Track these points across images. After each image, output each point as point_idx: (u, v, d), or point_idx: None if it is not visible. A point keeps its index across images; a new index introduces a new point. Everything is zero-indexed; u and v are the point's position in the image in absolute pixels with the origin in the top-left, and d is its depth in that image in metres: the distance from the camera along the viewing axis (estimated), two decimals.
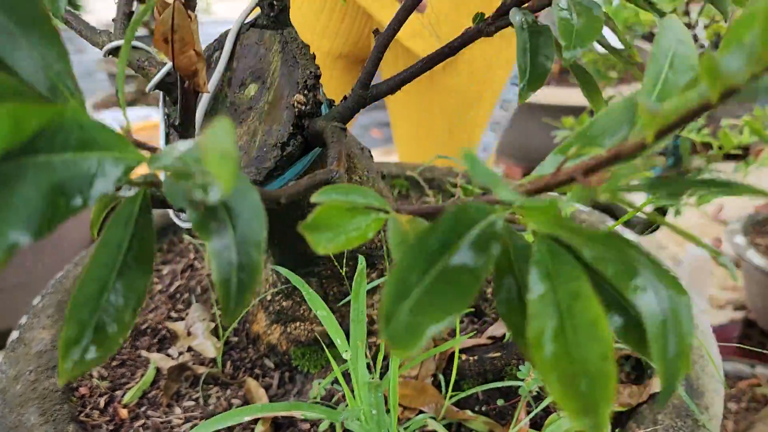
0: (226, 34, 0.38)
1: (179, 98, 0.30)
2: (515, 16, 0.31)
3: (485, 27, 0.34)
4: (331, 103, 0.39)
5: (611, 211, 1.48)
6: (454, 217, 0.17)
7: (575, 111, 1.60)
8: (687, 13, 1.31)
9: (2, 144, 0.14)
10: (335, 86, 0.98)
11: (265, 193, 0.25)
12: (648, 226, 1.41)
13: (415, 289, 0.17)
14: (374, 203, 0.23)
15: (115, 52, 0.38)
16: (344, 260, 0.46)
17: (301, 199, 0.29)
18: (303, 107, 0.35)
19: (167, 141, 0.38)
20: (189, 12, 0.25)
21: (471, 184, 0.69)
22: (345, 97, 0.35)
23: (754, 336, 1.69)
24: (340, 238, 0.21)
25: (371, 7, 0.88)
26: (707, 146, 1.28)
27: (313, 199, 0.21)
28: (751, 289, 1.62)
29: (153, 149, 0.23)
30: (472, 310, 0.54)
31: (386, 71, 1.00)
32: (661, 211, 1.32)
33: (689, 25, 1.33)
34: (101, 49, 0.38)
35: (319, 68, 0.36)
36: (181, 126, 0.29)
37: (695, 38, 1.35)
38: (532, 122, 2.07)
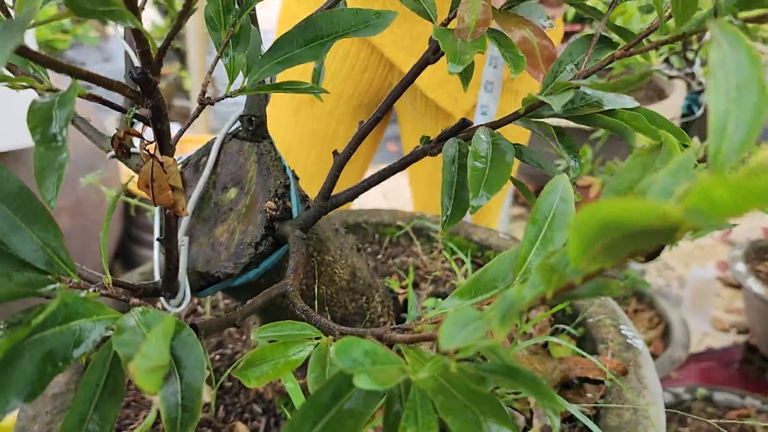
0: (212, 141, 0.44)
1: (162, 220, 0.36)
2: (449, 148, 0.37)
3: (430, 148, 0.39)
4: (305, 198, 0.45)
5: None
6: (336, 384, 0.23)
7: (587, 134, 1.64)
8: (685, 49, 1.34)
9: (8, 345, 0.20)
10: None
11: (222, 321, 0.30)
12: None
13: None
14: (309, 333, 0.29)
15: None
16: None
17: (264, 300, 0.34)
18: (274, 212, 0.40)
19: (160, 228, 0.44)
20: (165, 165, 0.31)
21: (452, 240, 0.74)
22: (308, 207, 0.41)
23: (755, 361, 1.71)
24: (269, 370, 0.27)
25: (397, 59, 0.91)
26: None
27: (253, 336, 0.27)
28: (752, 315, 1.64)
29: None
30: None
31: (405, 126, 1.05)
32: None
33: (688, 61, 1.36)
34: (107, 152, 0.44)
35: (288, 178, 0.42)
36: (165, 239, 0.36)
37: (693, 76, 1.39)
38: (547, 144, 2.10)
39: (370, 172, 0.51)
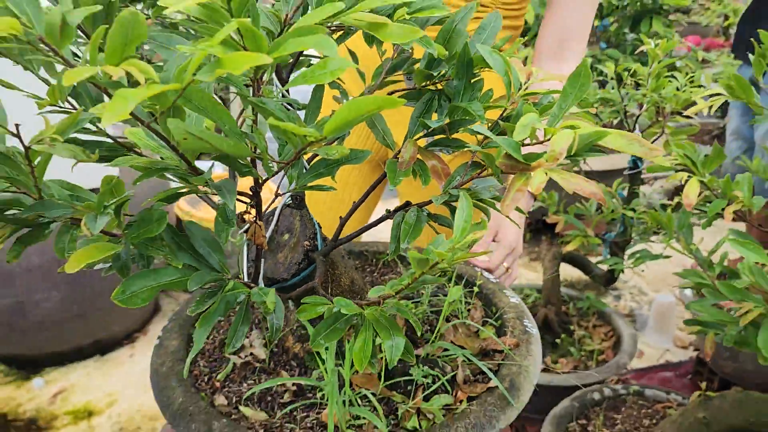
0: (275, 209, 0.82)
1: (251, 251, 0.73)
2: (397, 217, 0.73)
3: (389, 215, 0.76)
4: (325, 239, 0.82)
5: (582, 265, 1.87)
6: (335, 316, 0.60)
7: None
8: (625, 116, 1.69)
9: None
10: (361, 185, 1.40)
11: (284, 298, 0.68)
12: (609, 279, 1.79)
13: None
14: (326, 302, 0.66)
15: None
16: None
17: (302, 293, 0.71)
18: (308, 247, 0.78)
19: (249, 253, 0.81)
20: (259, 225, 0.69)
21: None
22: (326, 244, 0.78)
23: (704, 373, 2.03)
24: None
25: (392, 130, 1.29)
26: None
27: (297, 316, 0.64)
28: (699, 335, 1.97)
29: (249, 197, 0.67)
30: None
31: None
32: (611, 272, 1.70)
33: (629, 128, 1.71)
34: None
35: (316, 229, 0.79)
36: (254, 260, 0.73)
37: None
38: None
39: (380, 205, 0.87)
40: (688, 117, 1.39)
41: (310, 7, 0.54)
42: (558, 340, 1.69)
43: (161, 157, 0.53)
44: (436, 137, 0.68)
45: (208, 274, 0.61)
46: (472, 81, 0.66)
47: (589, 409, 1.43)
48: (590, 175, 2.46)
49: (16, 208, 0.53)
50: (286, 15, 0.53)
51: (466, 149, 0.66)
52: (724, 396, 1.21)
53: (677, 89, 1.33)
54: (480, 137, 0.64)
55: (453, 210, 0.72)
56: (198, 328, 0.58)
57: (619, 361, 1.66)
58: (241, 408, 0.79)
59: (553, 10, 1.19)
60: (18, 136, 0.48)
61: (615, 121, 1.75)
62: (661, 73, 1.34)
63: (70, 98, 0.51)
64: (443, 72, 0.68)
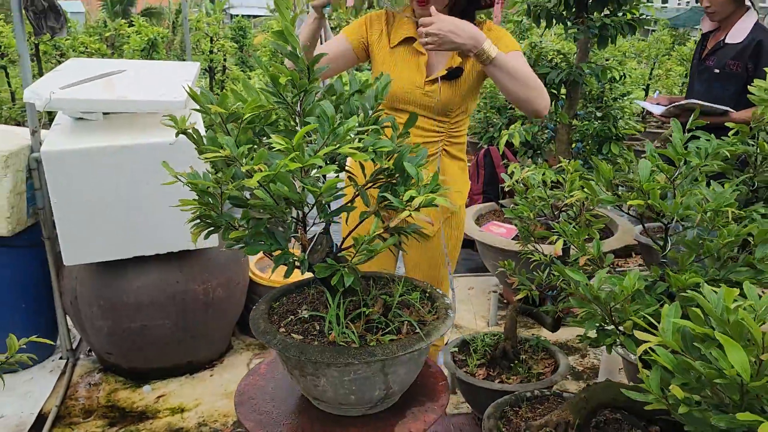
0: (316, 233, 1.62)
1: (301, 246, 1.52)
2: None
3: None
4: (340, 248, 1.61)
5: (534, 316, 2.57)
6: None
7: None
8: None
9: None
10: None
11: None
12: (555, 326, 2.48)
13: None
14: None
15: None
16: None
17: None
18: (328, 252, 1.57)
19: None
20: (303, 236, 1.50)
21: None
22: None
23: None
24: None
25: None
26: None
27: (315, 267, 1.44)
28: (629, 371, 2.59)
29: None
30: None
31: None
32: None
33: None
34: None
35: (334, 244, 1.58)
36: (304, 252, 1.53)
37: None
38: None
39: None
40: None
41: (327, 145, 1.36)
42: (512, 365, 2.38)
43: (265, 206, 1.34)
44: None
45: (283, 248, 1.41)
46: (405, 176, 1.46)
47: (521, 402, 2.10)
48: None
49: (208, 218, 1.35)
50: (319, 148, 1.35)
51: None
52: (597, 383, 1.89)
53: None
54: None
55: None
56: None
57: (552, 379, 2.32)
58: (292, 334, 1.56)
59: None
60: (219, 191, 1.31)
61: None
62: None
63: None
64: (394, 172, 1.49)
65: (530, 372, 2.35)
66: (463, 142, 2.19)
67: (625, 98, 4.34)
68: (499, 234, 3.63)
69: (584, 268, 1.68)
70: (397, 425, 1.42)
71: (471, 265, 4.52)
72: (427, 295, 1.65)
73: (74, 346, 3.11)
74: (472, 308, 3.75)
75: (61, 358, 3.08)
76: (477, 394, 2.36)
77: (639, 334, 1.08)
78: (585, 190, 1.62)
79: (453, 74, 1.98)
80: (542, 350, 2.49)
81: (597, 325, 1.46)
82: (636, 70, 8.09)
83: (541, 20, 3.54)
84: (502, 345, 2.41)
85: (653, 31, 11.49)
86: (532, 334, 2.60)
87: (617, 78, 5.22)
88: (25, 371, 2.97)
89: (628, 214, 1.83)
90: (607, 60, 4.08)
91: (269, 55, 10.30)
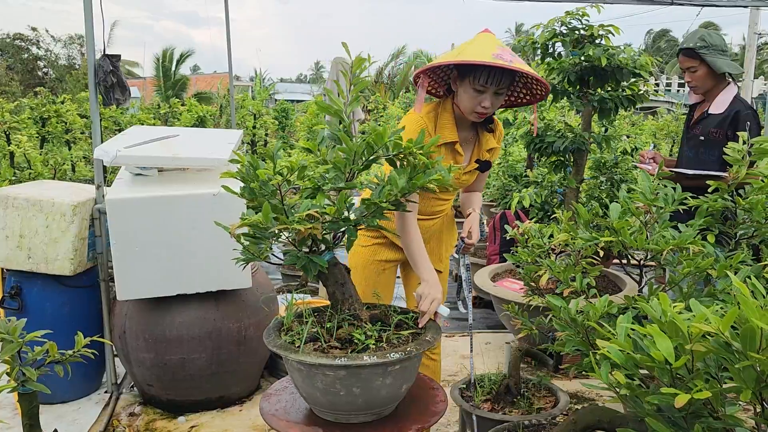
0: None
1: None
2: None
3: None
4: (347, 269, 1.90)
5: (536, 357, 2.80)
6: None
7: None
8: None
9: None
10: (384, 282, 2.50)
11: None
12: (556, 366, 2.70)
13: None
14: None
15: None
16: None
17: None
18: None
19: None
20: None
21: None
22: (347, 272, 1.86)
23: None
24: None
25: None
26: None
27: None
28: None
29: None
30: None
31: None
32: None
33: None
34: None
35: (347, 270, 1.88)
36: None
37: None
38: None
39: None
40: None
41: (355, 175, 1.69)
42: (515, 400, 2.60)
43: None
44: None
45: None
46: None
47: (519, 428, 2.32)
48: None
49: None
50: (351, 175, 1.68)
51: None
52: (584, 408, 2.12)
53: None
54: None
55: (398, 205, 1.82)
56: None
57: (552, 412, 2.53)
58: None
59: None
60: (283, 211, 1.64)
61: None
62: None
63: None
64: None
65: (531, 407, 2.56)
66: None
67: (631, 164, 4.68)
68: (512, 289, 3.88)
69: (570, 297, 1.94)
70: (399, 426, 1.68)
71: (489, 323, 4.75)
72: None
73: (119, 381, 3.41)
74: (487, 360, 3.96)
75: (106, 391, 3.38)
76: (481, 425, 2.58)
77: (600, 342, 1.34)
78: (567, 232, 1.91)
79: (484, 166, 2.48)
80: (544, 388, 2.71)
81: (574, 347, 1.72)
82: (648, 144, 8.43)
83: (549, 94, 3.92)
84: (506, 382, 2.64)
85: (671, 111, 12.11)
86: (536, 375, 2.82)
87: (629, 150, 5.55)
88: (74, 402, 3.28)
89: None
90: (606, 131, 4.42)
91: (306, 130, 10.96)
